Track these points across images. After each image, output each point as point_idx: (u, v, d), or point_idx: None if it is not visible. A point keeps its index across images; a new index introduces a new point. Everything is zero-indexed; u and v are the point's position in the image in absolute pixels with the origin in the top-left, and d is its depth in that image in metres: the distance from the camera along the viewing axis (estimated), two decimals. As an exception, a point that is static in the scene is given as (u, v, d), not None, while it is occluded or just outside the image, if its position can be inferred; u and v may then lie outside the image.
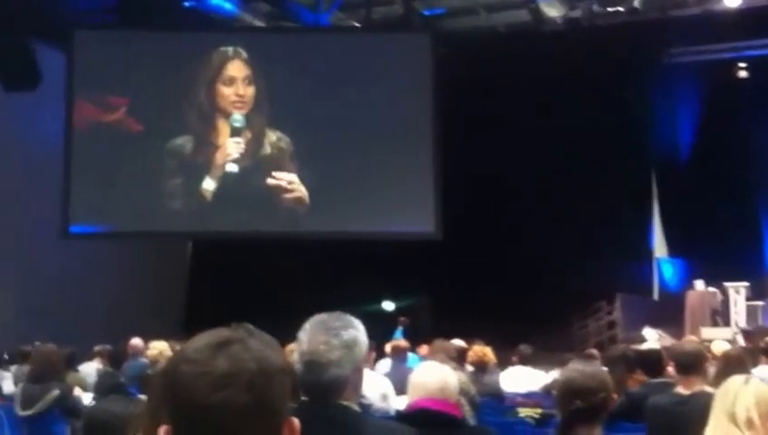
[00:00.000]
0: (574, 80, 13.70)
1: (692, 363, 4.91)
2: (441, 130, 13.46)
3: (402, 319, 11.13)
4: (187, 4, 13.89)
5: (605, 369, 3.88)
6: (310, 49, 13.67)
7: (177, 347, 7.73)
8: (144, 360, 7.42)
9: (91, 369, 7.74)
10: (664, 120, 15.25)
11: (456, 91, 13.73)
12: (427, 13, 15.18)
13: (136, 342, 8.18)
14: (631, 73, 13.81)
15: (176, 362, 1.39)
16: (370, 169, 13.33)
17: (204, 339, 1.38)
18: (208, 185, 13.31)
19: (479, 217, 13.75)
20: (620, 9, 14.15)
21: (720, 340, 9.29)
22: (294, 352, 2.34)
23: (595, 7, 14.36)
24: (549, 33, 14.32)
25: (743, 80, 14.77)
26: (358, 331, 2.33)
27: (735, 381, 2.82)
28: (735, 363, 6.68)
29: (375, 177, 13.30)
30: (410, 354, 8.16)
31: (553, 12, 14.45)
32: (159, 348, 7.02)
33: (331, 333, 2.28)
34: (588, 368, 3.22)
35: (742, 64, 14.76)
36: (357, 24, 14.98)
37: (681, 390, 4.40)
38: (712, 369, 5.23)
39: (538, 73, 13.96)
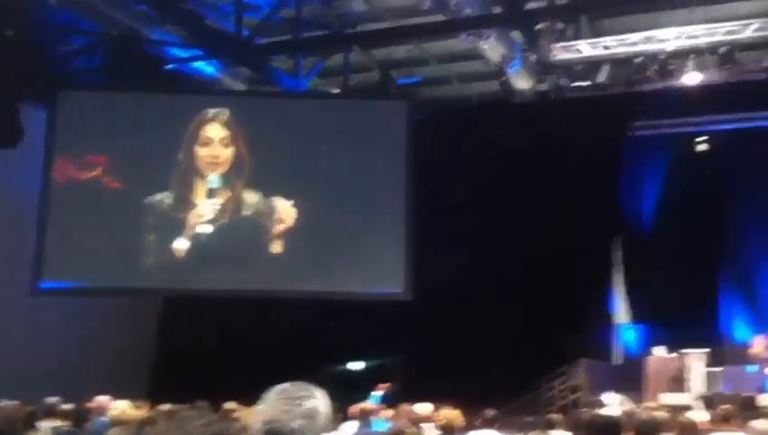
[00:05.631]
0: (542, 149, 14.17)
1: (649, 431, 5.21)
2: (414, 194, 13.88)
3: (383, 385, 11.13)
4: (169, 66, 14.28)
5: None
6: (289, 113, 14.10)
7: (141, 407, 7.87)
8: (106, 419, 7.42)
9: (47, 427, 7.73)
10: (628, 190, 15.75)
11: (430, 157, 14.17)
12: (402, 81, 15.72)
13: (101, 400, 8.22)
14: (597, 144, 14.26)
15: None
16: (346, 230, 13.68)
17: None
18: (181, 244, 13.55)
19: (449, 280, 14.06)
20: (587, 83, 14.81)
21: (698, 409, 9.62)
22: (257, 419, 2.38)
23: (562, 81, 15.01)
24: (518, 104, 14.91)
25: (703, 152, 15.40)
26: (320, 400, 2.37)
27: None
28: (688, 432, 7.01)
29: (349, 238, 13.64)
30: (375, 418, 8.34)
31: (523, 84, 15.06)
32: (121, 407, 7.08)
33: (293, 403, 2.32)
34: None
35: (701, 138, 15.41)
36: (335, 90, 15.47)
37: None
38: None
39: (507, 142, 14.43)
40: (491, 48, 14.43)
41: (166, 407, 8.18)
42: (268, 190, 13.74)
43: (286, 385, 2.38)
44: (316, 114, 14.18)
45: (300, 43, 14.45)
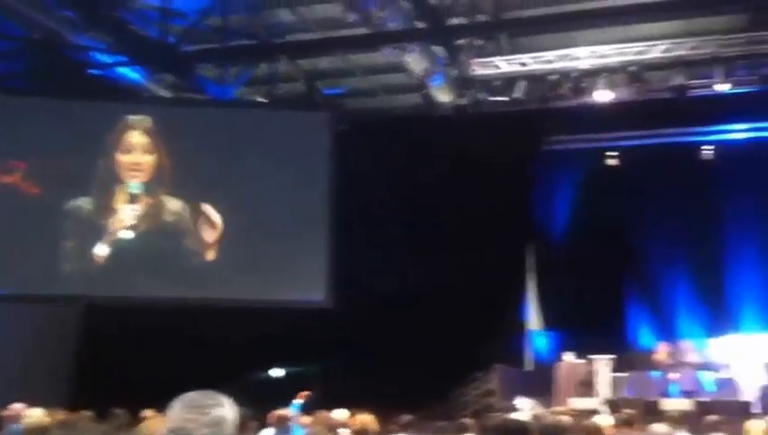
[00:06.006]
0: (461, 161, 14.56)
1: (547, 434, 5.59)
2: (337, 203, 14.17)
3: (304, 393, 11.29)
4: (93, 72, 14.25)
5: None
6: (214, 121, 14.23)
7: (55, 414, 7.93)
8: (19, 426, 7.39)
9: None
10: (542, 202, 16.26)
11: (354, 167, 14.47)
12: (328, 92, 16.01)
13: (16, 407, 8.17)
14: (513, 157, 14.60)
15: None
16: (268, 239, 13.87)
17: None
18: (101, 250, 13.55)
19: (369, 289, 14.33)
20: (505, 98, 15.37)
21: (604, 413, 10.09)
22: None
23: (481, 96, 15.54)
24: (439, 117, 15.36)
25: (613, 167, 16.07)
26: (226, 408, 2.36)
27: None
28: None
29: (272, 246, 13.85)
30: (292, 425, 8.56)
31: (444, 98, 15.54)
32: (36, 415, 7.00)
33: (200, 411, 2.31)
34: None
35: (612, 153, 16.08)
36: (261, 100, 15.64)
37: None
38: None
39: (428, 154, 14.81)
40: (414, 62, 14.84)
41: (83, 413, 8.27)
42: (191, 198, 13.83)
43: (193, 394, 2.37)
44: (241, 123, 14.34)
45: (227, 51, 14.59)
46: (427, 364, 13.07)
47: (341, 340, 13.41)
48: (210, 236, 13.74)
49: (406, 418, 9.23)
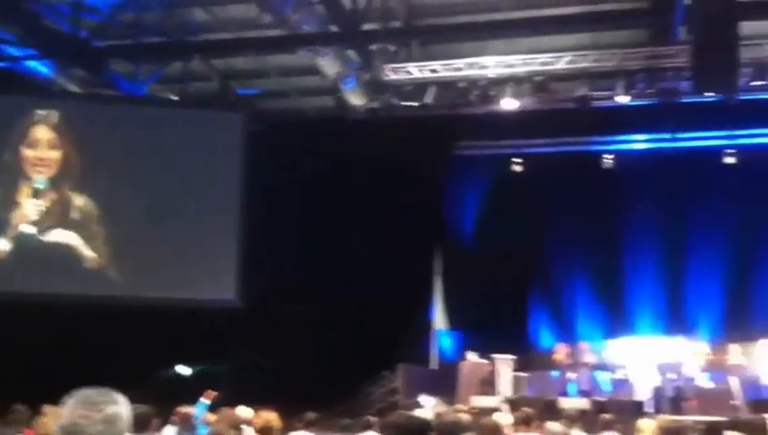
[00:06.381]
0: (372, 164, 14.77)
1: (451, 432, 5.86)
2: (247, 203, 14.23)
3: (211, 393, 11.28)
4: (1, 64, 13.97)
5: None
6: (124, 118, 14.12)
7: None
8: None
9: None
10: (451, 205, 16.64)
11: (266, 167, 14.54)
12: (241, 92, 16.05)
13: None
14: (423, 161, 14.87)
15: None
16: (177, 237, 13.85)
17: None
18: (2, 245, 13.30)
19: (279, 288, 14.44)
20: (415, 104, 15.69)
21: (504, 412, 10.40)
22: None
23: (393, 100, 15.83)
24: (351, 120, 15.58)
25: (518, 173, 16.56)
26: (120, 406, 2.36)
27: None
28: (490, 433, 7.80)
29: (181, 244, 13.83)
30: (196, 422, 8.60)
31: (357, 101, 15.76)
32: None
33: (93, 408, 2.30)
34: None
35: (517, 160, 16.56)
36: (174, 97, 15.57)
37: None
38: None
39: (341, 155, 14.99)
40: (327, 65, 15.02)
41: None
42: (98, 195, 13.70)
43: (87, 391, 2.37)
44: (153, 121, 14.27)
45: (139, 48, 14.50)
46: (333, 363, 13.25)
47: (250, 338, 13.49)
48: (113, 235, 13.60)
49: (310, 416, 9.40)
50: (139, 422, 5.63)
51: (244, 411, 8.40)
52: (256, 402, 8.74)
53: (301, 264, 14.85)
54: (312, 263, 14.74)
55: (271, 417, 7.99)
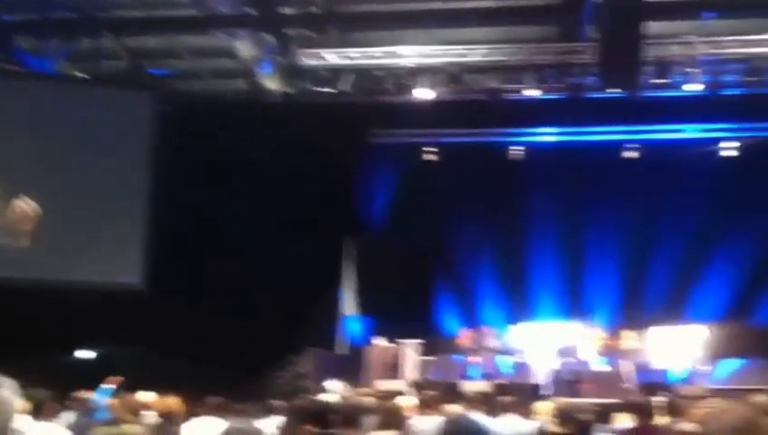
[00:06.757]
0: (285, 149, 14.77)
1: (355, 415, 6.01)
2: (155, 185, 14.08)
3: (114, 379, 11.12)
4: None
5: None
6: (31, 96, 13.77)
7: None
8: None
9: None
10: (364, 192, 16.74)
11: (176, 149, 14.40)
12: (153, 72, 15.82)
13: None
14: (336, 148, 14.90)
15: None
16: (83, 219, 13.62)
17: None
18: None
19: (184, 270, 14.35)
20: (331, 90, 15.76)
21: (410, 395, 10.59)
22: None
23: (309, 86, 15.87)
24: (265, 104, 15.54)
25: (430, 162, 16.81)
26: (4, 391, 2.34)
27: None
28: (392, 416, 8.00)
29: (86, 226, 13.61)
30: (95, 407, 8.54)
31: (273, 86, 15.74)
32: None
33: None
34: (244, 426, 4.09)
35: (430, 149, 16.80)
36: (83, 76, 15.24)
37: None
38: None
39: (253, 140, 14.92)
40: (243, 48, 14.98)
41: None
42: (3, 176, 13.37)
43: None
44: (61, 99, 13.96)
45: (47, 23, 14.17)
46: (242, 348, 13.28)
47: (156, 322, 13.39)
48: (26, 225, 13.30)
49: (214, 400, 9.42)
50: (34, 406, 5.63)
51: (144, 396, 8.41)
52: (161, 388, 8.72)
53: (208, 248, 14.78)
54: (219, 247, 14.68)
55: (172, 402, 8.02)
